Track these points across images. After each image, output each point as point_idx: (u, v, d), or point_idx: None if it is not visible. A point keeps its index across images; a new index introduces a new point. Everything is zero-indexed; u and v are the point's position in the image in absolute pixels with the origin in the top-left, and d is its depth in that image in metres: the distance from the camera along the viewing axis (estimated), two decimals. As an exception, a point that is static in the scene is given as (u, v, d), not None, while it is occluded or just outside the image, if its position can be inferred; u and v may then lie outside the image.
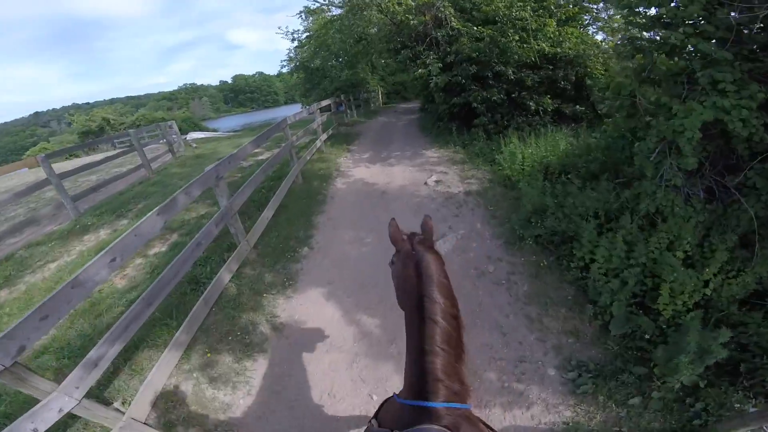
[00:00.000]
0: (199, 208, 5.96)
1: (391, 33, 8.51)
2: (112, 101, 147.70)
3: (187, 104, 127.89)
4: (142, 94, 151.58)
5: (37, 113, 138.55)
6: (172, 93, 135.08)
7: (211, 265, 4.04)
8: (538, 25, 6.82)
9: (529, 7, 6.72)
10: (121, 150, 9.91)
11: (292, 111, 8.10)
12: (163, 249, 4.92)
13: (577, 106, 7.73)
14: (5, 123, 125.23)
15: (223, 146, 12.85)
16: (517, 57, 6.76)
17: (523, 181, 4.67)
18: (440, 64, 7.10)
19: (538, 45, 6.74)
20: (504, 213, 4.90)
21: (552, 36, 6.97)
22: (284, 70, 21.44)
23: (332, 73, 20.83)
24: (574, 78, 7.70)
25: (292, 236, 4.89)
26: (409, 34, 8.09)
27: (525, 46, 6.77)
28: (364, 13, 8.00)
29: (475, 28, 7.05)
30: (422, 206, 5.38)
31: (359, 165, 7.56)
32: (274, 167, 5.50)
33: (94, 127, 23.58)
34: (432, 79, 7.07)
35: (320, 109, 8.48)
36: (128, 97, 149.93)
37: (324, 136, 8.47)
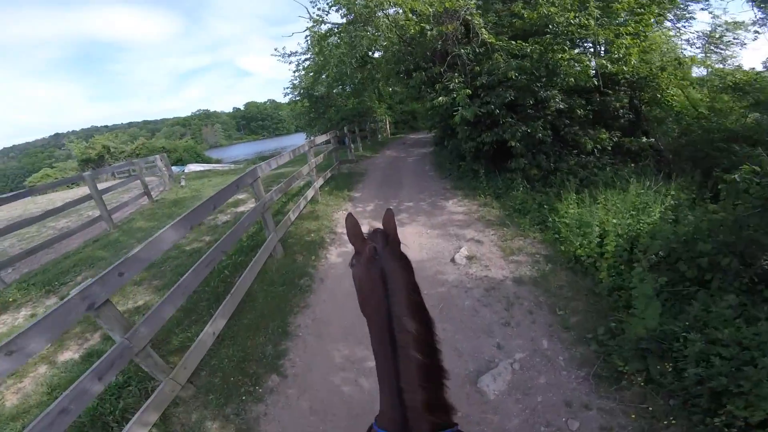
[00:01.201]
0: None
1: (401, 52, 7.05)
2: (130, 125, 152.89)
3: (199, 130, 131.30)
4: (158, 118, 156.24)
5: (57, 134, 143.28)
6: (185, 119, 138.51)
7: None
8: (607, 37, 5.13)
9: (592, 14, 5.03)
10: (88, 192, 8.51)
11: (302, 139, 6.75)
12: (76, 356, 3.46)
13: (644, 138, 6.04)
14: (27, 143, 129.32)
15: (213, 183, 11.44)
16: (572, 80, 5.11)
17: (636, 283, 2.85)
18: (468, 90, 5.49)
19: (602, 63, 5.12)
20: (581, 320, 3.12)
21: (619, 51, 5.30)
22: (286, 99, 20.49)
23: (337, 102, 19.80)
24: (640, 105, 6.08)
25: (254, 354, 3.26)
26: (424, 53, 6.61)
27: (583, 65, 5.13)
28: (368, 28, 6.56)
29: (514, 42, 5.46)
30: (450, 303, 3.64)
31: (362, 222, 5.86)
32: (231, 245, 3.80)
33: (93, 155, 22.79)
34: (457, 110, 5.44)
35: (314, 147, 6.94)
36: (145, 122, 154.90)
37: (319, 182, 6.86)
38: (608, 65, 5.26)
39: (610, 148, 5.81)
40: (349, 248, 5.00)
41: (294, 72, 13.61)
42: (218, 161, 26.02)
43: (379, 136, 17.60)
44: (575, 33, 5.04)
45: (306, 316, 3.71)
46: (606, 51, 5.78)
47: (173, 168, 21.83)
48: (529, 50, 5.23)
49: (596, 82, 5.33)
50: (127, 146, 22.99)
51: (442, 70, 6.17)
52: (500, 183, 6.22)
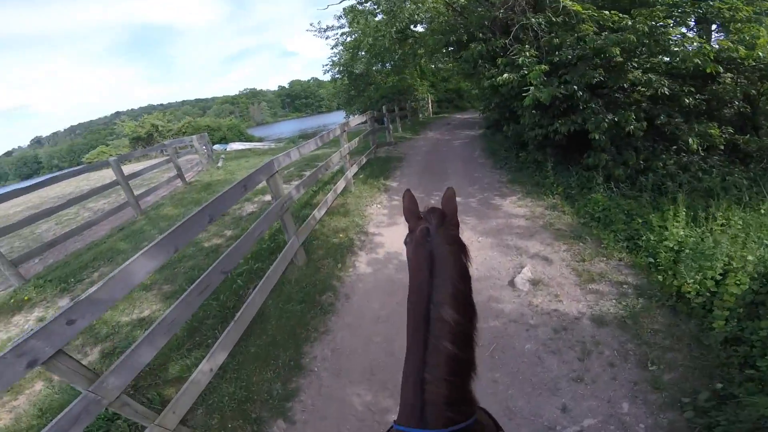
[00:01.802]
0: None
1: (449, 23, 5.87)
2: (183, 103, 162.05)
3: (246, 108, 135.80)
4: (209, 97, 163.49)
5: (117, 113, 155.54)
6: (233, 97, 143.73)
7: None
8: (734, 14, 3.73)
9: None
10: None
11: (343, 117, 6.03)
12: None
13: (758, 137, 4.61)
14: (90, 121, 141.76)
15: (250, 164, 11.09)
16: (695, 62, 3.74)
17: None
18: (544, 66, 4.30)
19: (729, 45, 3.75)
20: (679, 378, 2.29)
21: (749, 33, 3.89)
22: (327, 76, 19.69)
23: (377, 80, 18.67)
24: (758, 96, 4.58)
25: (260, 393, 2.66)
26: (480, 22, 5.40)
27: (704, 47, 3.76)
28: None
29: (608, 12, 4.12)
30: (506, 344, 2.78)
31: (397, 220, 5.03)
32: (236, 259, 3.08)
33: (143, 133, 23.72)
34: (527, 89, 4.26)
35: (348, 130, 6.09)
36: (197, 100, 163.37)
37: (353, 170, 6.05)
38: (740, 48, 3.83)
39: (722, 147, 4.39)
40: (381, 255, 3.95)
41: (332, 48, 12.77)
42: (260, 140, 26.15)
43: (421, 115, 16.36)
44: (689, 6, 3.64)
45: (324, 344, 3.02)
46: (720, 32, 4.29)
47: (216, 146, 22.28)
48: (630, 23, 3.87)
49: (720, 68, 3.92)
50: (174, 125, 23.63)
51: (506, 42, 4.95)
52: (573, 181, 5.01)
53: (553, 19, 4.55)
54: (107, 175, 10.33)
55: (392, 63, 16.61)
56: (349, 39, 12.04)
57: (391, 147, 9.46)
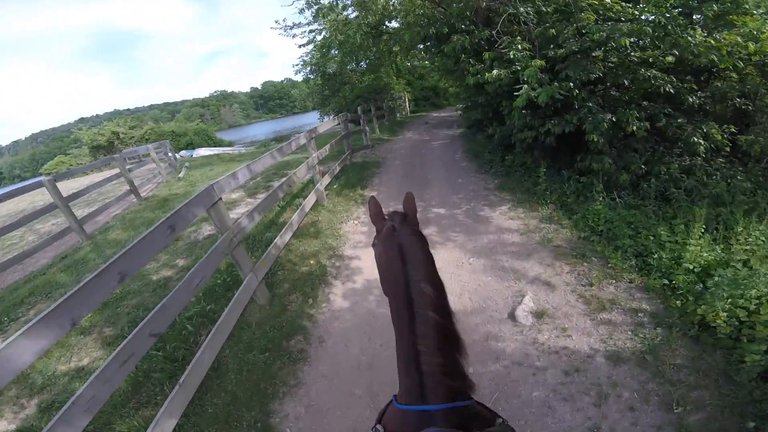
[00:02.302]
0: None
1: (427, 15, 5.34)
2: (151, 107, 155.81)
3: (218, 111, 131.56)
4: (178, 100, 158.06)
5: (82, 119, 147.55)
6: (203, 100, 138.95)
7: None
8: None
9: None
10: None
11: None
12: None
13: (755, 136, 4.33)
14: (53, 128, 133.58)
15: (215, 173, 10.22)
16: (714, 59, 3.35)
17: None
18: (540, 62, 3.79)
19: (736, 41, 3.40)
20: (706, 419, 2.00)
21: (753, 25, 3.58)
22: (299, 77, 18.83)
23: (352, 79, 18.00)
24: (757, 92, 4.31)
25: None
26: (461, 13, 4.89)
27: (717, 42, 3.39)
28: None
29: (609, 1, 3.67)
30: (511, 392, 2.32)
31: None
32: (166, 321, 2.37)
33: (103, 141, 22.15)
34: (519, 88, 3.76)
35: (318, 136, 5.45)
36: (165, 104, 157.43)
37: (325, 181, 5.42)
38: (751, 45, 3.48)
39: (728, 149, 4.08)
40: (359, 284, 3.29)
41: (300, 47, 11.98)
42: (230, 144, 24.89)
43: (398, 115, 15.84)
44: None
45: (297, 400, 2.46)
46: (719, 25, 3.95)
47: (183, 152, 21.03)
48: (635, 12, 3.44)
49: (740, 64, 3.55)
50: (137, 131, 22.13)
51: (493, 33, 4.44)
52: (567, 187, 4.58)
53: (543, 8, 4.09)
54: (70, 186, 9.28)
55: (367, 61, 15.98)
56: (318, 37, 11.39)
57: (368, 150, 8.86)
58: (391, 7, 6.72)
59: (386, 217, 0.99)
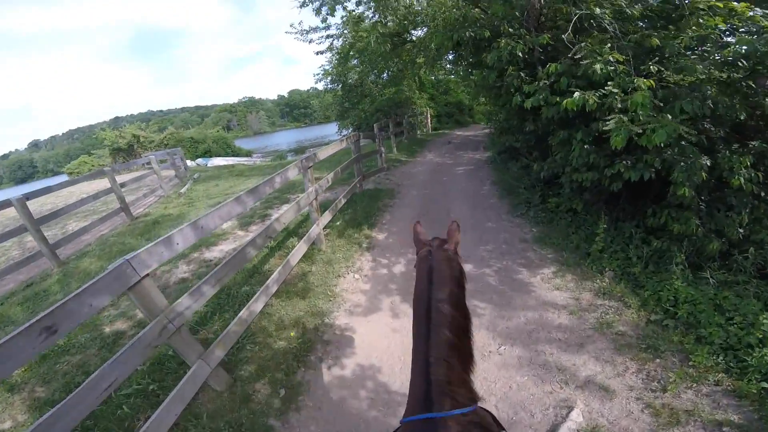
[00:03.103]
0: None
1: (462, 16, 4.38)
2: (183, 110, 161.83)
3: (245, 117, 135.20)
4: (209, 104, 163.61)
5: (117, 117, 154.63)
6: (231, 105, 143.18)
7: None
8: None
9: None
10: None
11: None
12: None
13: None
14: (90, 125, 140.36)
15: (220, 189, 9.54)
16: None
17: None
18: (650, 82, 2.70)
19: None
20: None
21: None
22: (319, 86, 18.31)
23: (372, 91, 17.29)
24: None
25: None
26: (509, 12, 3.90)
27: None
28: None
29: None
30: None
31: (382, 301, 3.48)
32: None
33: (123, 144, 22.26)
34: (615, 118, 2.66)
35: (317, 163, 4.53)
36: (196, 107, 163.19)
37: (323, 221, 4.48)
38: None
39: None
40: (350, 370, 2.76)
41: (317, 54, 11.35)
42: (249, 153, 24.58)
43: (419, 132, 14.89)
44: None
45: None
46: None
47: (199, 160, 20.78)
48: None
49: None
50: (157, 136, 22.15)
51: (563, 37, 3.40)
52: (632, 250, 3.46)
53: (629, 11, 3.06)
54: (96, 186, 8.81)
55: (389, 72, 15.25)
56: (336, 43, 10.76)
57: (383, 174, 7.92)
58: (416, 6, 5.84)
59: (426, 242, 1.07)
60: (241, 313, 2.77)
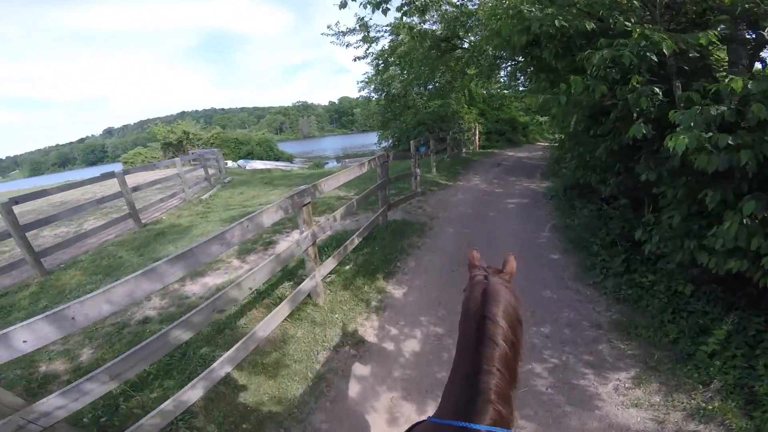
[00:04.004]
0: None
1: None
2: (242, 110, 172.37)
3: (296, 121, 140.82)
4: (265, 106, 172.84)
5: (183, 112, 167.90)
6: (286, 108, 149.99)
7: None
8: None
9: None
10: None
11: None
12: None
13: None
14: (159, 117, 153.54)
15: (244, 198, 8.96)
16: None
17: None
18: None
19: None
20: None
21: None
22: (362, 94, 17.61)
23: (416, 102, 16.23)
24: None
25: None
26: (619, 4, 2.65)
27: None
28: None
29: None
30: None
31: (377, 405, 2.34)
32: None
33: (174, 139, 23.12)
34: None
35: (318, 198, 3.51)
36: (254, 108, 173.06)
37: (322, 271, 3.38)
38: None
39: None
40: None
41: (355, 60, 10.47)
42: (290, 158, 24.52)
43: (465, 150, 13.53)
44: None
45: None
46: None
47: (241, 161, 20.96)
48: None
49: None
50: (204, 133, 22.79)
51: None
52: (763, 360, 2.09)
53: None
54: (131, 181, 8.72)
55: (435, 83, 14.13)
56: (375, 46, 9.89)
57: (416, 201, 6.75)
58: (469, 5, 4.69)
59: (482, 267, 1.07)
60: (164, 405, 1.76)
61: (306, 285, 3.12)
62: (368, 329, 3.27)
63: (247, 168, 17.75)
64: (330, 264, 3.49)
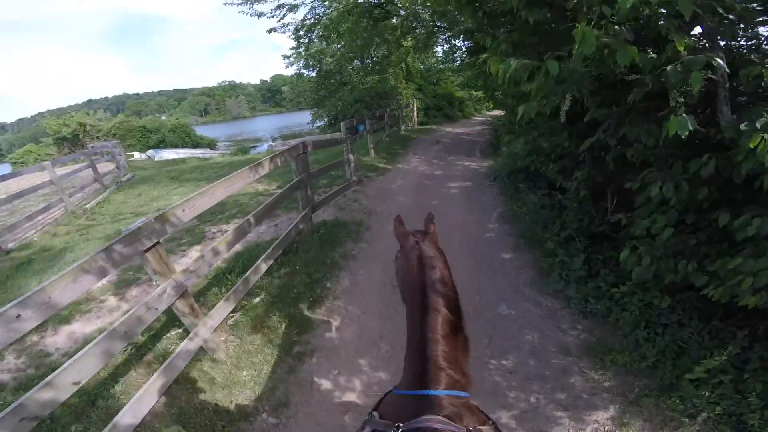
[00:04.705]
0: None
1: None
2: (159, 93, 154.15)
3: (223, 102, 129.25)
4: (187, 87, 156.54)
5: (90, 100, 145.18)
6: (210, 89, 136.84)
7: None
8: None
9: None
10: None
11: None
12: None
13: None
14: (60, 108, 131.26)
15: (144, 199, 7.34)
16: None
17: None
18: None
19: None
20: None
21: None
22: (290, 70, 15.88)
23: (353, 78, 15.02)
24: None
25: None
26: None
27: None
28: None
29: None
30: None
31: None
32: None
33: (67, 133, 19.41)
34: None
35: (168, 236, 2.54)
36: (175, 90, 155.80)
37: (204, 327, 2.41)
38: None
39: None
40: None
41: (268, 32, 8.91)
42: (211, 143, 21.62)
43: (403, 127, 12.81)
44: None
45: None
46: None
47: (150, 152, 18.14)
48: None
49: None
50: (104, 124, 19.29)
51: None
52: (759, 387, 1.76)
53: None
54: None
55: (371, 58, 13.08)
56: (291, 16, 8.57)
57: (351, 192, 5.88)
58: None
59: (409, 233, 1.09)
60: None
61: (184, 348, 2.16)
62: (291, 385, 2.45)
63: (156, 159, 15.31)
64: (223, 309, 2.53)
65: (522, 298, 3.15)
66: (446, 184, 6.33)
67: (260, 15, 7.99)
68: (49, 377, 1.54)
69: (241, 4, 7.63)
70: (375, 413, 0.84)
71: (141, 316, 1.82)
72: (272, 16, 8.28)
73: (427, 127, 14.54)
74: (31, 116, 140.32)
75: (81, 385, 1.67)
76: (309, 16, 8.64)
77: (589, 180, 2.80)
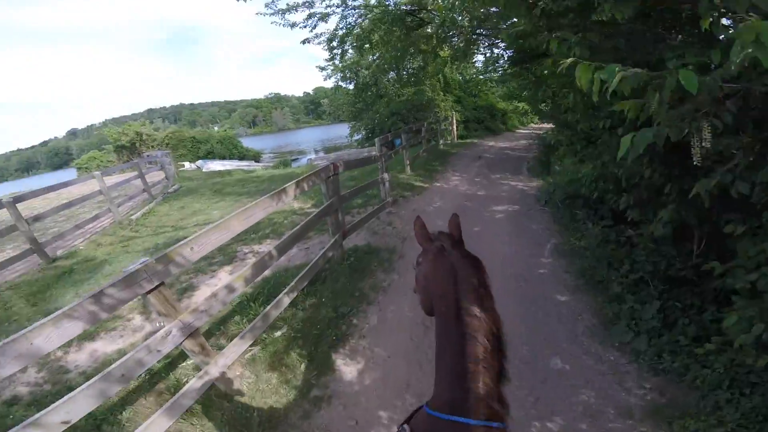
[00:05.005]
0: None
1: None
2: (212, 104, 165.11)
3: (270, 113, 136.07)
4: (237, 99, 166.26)
5: (150, 110, 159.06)
6: (258, 101, 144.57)
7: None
8: None
9: None
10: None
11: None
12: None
13: None
14: (124, 116, 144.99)
15: (188, 211, 7.57)
16: None
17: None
18: None
19: None
20: None
21: None
22: (328, 83, 16.16)
23: (389, 90, 14.93)
24: None
25: None
26: None
27: None
28: None
29: None
30: None
31: None
32: None
33: (126, 141, 21.12)
34: None
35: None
36: (225, 101, 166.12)
37: (215, 364, 2.18)
38: None
39: None
40: None
41: (303, 43, 8.84)
42: (256, 156, 22.62)
43: (442, 141, 12.41)
44: None
45: None
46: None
47: (200, 162, 19.18)
48: None
49: None
50: (159, 134, 20.76)
51: None
52: None
53: None
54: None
55: (407, 70, 12.90)
56: (323, 25, 8.59)
57: (385, 214, 5.59)
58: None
59: (433, 237, 0.99)
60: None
61: (192, 386, 1.94)
62: (302, 442, 2.15)
63: (204, 170, 16.08)
64: (238, 347, 2.30)
65: (580, 351, 2.64)
66: (490, 207, 5.83)
67: (293, 25, 8.02)
68: (38, 415, 1.41)
69: (272, 14, 7.72)
70: (407, 426, 0.83)
71: (141, 359, 1.62)
72: (304, 26, 8.29)
73: (468, 141, 14.02)
74: (99, 123, 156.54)
75: (71, 423, 1.49)
76: (341, 26, 8.58)
77: (678, 220, 2.27)
